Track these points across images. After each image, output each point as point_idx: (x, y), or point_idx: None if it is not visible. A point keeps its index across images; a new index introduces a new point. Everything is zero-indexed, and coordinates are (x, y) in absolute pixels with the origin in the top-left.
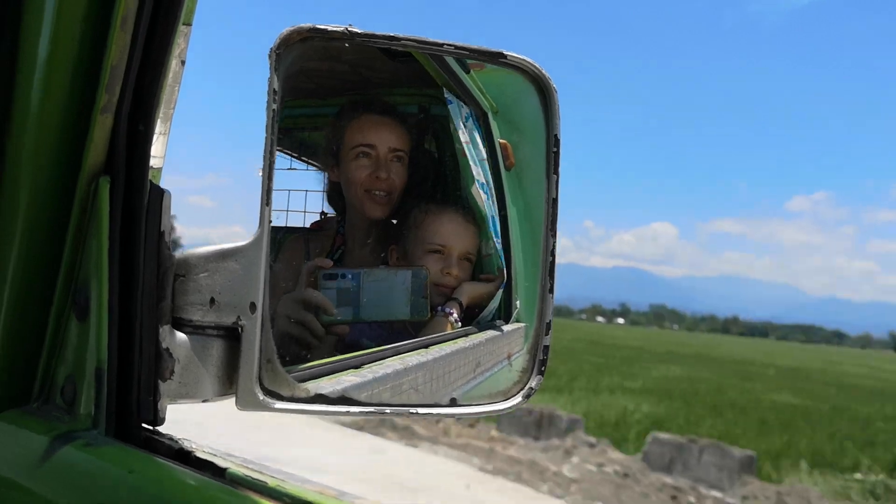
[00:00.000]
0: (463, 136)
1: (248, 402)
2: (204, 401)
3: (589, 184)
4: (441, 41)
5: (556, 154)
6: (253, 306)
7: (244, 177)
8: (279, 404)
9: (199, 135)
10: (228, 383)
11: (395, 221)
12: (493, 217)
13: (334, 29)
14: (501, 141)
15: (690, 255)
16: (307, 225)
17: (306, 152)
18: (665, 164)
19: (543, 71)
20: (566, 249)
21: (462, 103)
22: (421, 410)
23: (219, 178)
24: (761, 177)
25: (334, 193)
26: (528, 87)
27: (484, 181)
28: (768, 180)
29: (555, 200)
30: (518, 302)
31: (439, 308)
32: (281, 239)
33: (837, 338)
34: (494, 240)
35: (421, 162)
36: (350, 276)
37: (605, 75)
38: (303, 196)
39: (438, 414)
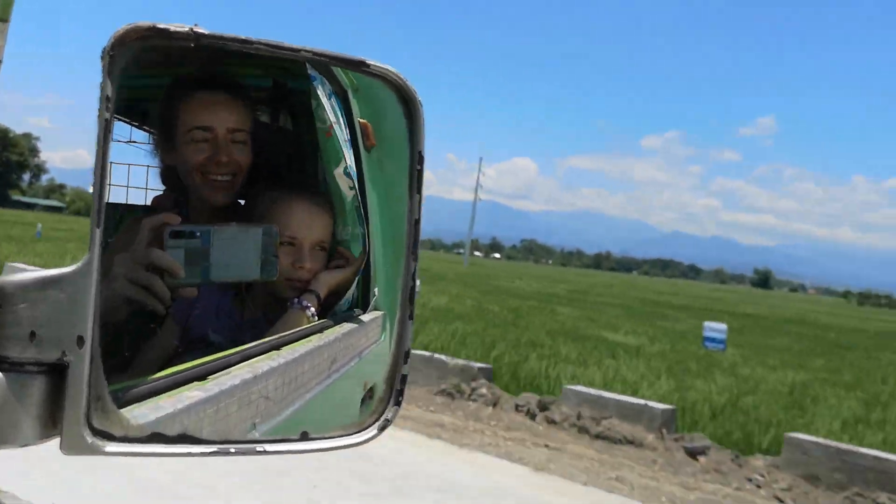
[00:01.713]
0: (327, 115)
1: (74, 446)
2: (24, 446)
3: (452, 117)
4: (298, 46)
5: (420, 172)
6: (81, 340)
7: (90, 98)
8: (111, 446)
9: (42, 53)
10: (52, 425)
11: (242, 202)
12: (354, 203)
13: (178, 29)
14: (361, 120)
15: (550, 190)
16: (149, 203)
17: (151, 123)
18: (527, 100)
19: (408, 82)
20: (429, 182)
21: (325, 79)
22: (269, 448)
23: (61, 99)
24: (618, 115)
25: (171, 177)
26: (392, 98)
27: (349, 164)
28: (624, 118)
29: (417, 221)
30: (376, 290)
31: (295, 301)
32: (119, 218)
33: (693, 272)
34: (357, 224)
35: (273, 141)
36: (199, 234)
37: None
38: (144, 171)
39: (289, 451)
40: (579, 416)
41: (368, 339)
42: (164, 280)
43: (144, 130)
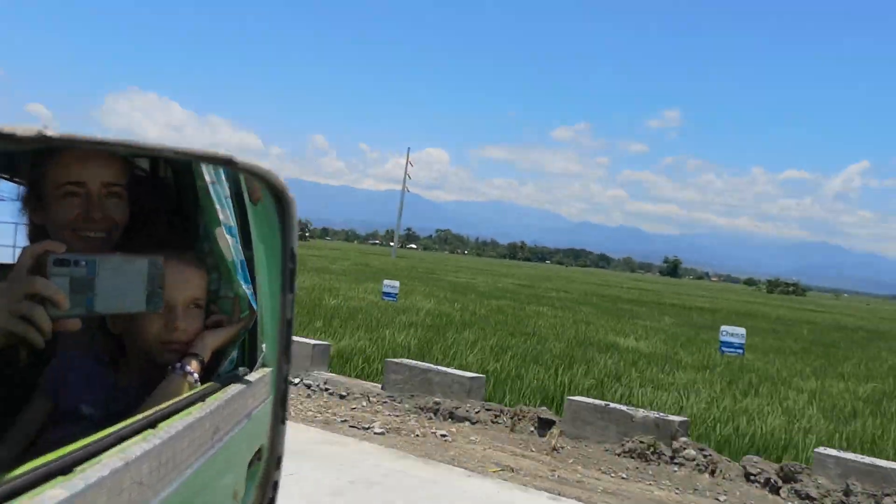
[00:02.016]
0: (206, 175)
1: None
2: None
3: (365, 106)
4: (160, 145)
5: (293, 271)
6: None
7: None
8: None
9: None
10: None
11: None
12: (238, 261)
13: (24, 134)
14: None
15: (462, 180)
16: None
17: (20, 176)
18: (440, 90)
19: (280, 179)
20: (339, 172)
21: None
22: None
23: None
24: (529, 106)
25: (41, 237)
26: (266, 194)
27: (231, 224)
28: (536, 110)
29: (290, 322)
30: (264, 346)
31: (177, 365)
32: None
33: (604, 261)
34: (240, 283)
35: (153, 197)
36: (84, 263)
37: None
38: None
39: None
40: (847, 492)
41: (256, 398)
42: (47, 310)
43: (15, 182)
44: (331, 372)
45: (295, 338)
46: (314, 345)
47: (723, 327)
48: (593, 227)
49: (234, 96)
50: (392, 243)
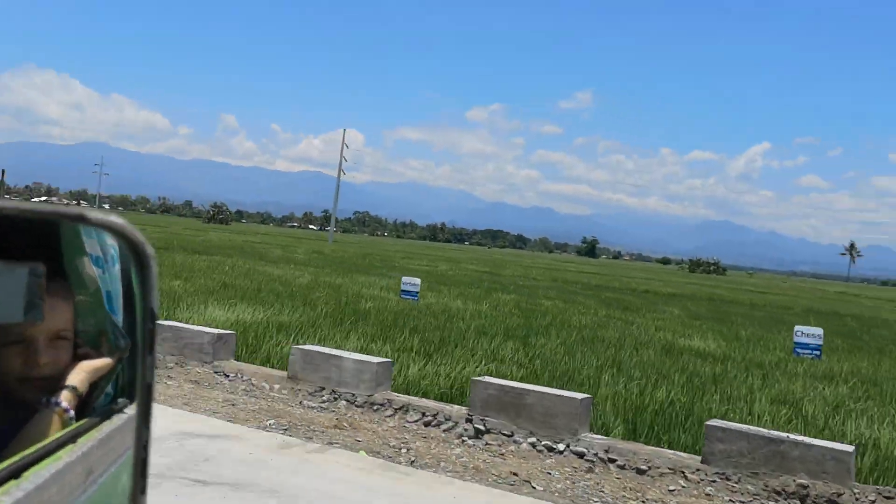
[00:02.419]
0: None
1: None
2: None
3: (277, 85)
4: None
5: (153, 332)
6: None
7: None
8: None
9: None
10: None
11: None
12: (105, 290)
13: None
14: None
15: (377, 161)
16: None
17: None
18: (355, 70)
19: (137, 234)
20: (250, 152)
21: None
22: None
23: None
24: (446, 87)
25: None
26: (124, 249)
27: (99, 254)
28: (452, 90)
29: (150, 386)
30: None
31: (50, 400)
32: None
33: (521, 241)
34: (110, 313)
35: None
36: None
37: None
38: None
39: None
40: None
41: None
42: None
43: None
44: (593, 433)
45: (488, 378)
46: (577, 398)
47: (797, 327)
48: (508, 207)
49: (140, 75)
50: (323, 228)
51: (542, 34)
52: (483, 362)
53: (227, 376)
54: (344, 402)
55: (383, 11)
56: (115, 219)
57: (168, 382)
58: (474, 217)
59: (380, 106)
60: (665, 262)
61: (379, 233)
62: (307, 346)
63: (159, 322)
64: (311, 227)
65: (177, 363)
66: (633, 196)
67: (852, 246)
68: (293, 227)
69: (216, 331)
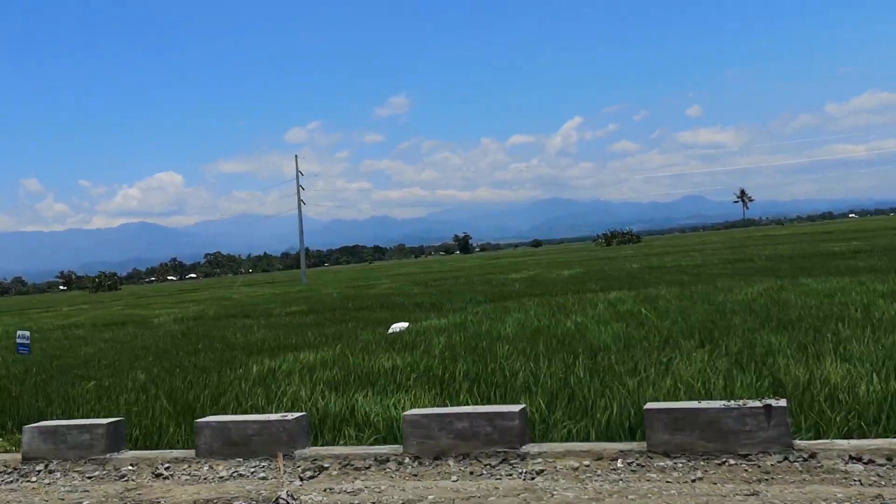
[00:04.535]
0: None
1: None
2: None
3: (78, 141)
4: None
5: None
6: None
7: None
8: None
9: None
10: None
11: None
12: None
13: None
14: None
15: (202, 199)
16: None
17: None
18: (159, 110)
19: None
20: (62, 215)
21: None
22: None
23: None
24: (259, 113)
25: None
26: None
27: None
28: (266, 115)
29: None
30: None
31: None
32: None
33: (379, 252)
34: None
35: None
36: None
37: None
38: None
39: None
40: None
41: None
42: None
43: None
44: None
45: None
46: None
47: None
48: (345, 223)
49: None
50: (182, 277)
51: (350, 43)
52: None
53: None
54: None
55: (179, 46)
56: None
57: None
58: (313, 238)
59: (195, 143)
60: (516, 246)
61: (242, 271)
62: None
63: None
64: (151, 278)
65: None
66: (463, 190)
67: (743, 193)
68: (150, 281)
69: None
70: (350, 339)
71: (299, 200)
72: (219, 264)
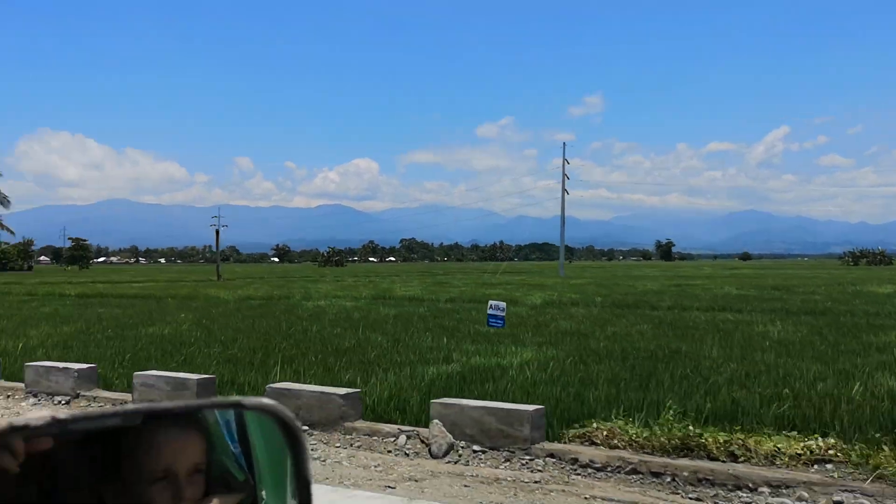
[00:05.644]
0: None
1: None
2: None
3: (287, 125)
4: (171, 404)
5: (308, 499)
6: None
7: None
8: None
9: None
10: None
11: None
12: (227, 421)
13: (38, 423)
14: None
15: (393, 187)
16: None
17: None
18: (362, 101)
19: (286, 412)
20: (268, 192)
21: None
22: None
23: None
24: (452, 106)
25: None
26: (275, 427)
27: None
28: (458, 110)
29: None
30: None
31: None
32: None
33: (569, 252)
34: (229, 444)
35: None
36: None
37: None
38: None
39: None
40: None
41: None
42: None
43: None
44: None
45: None
46: None
47: None
48: (530, 220)
49: (151, 126)
50: (383, 259)
51: (545, 41)
52: None
53: None
54: None
55: (381, 40)
56: (266, 401)
57: None
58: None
59: (390, 133)
60: (715, 258)
61: (438, 258)
62: None
63: None
64: (370, 259)
65: None
66: (652, 195)
67: None
68: (315, 263)
69: None
70: None
71: (563, 190)
72: (413, 250)
